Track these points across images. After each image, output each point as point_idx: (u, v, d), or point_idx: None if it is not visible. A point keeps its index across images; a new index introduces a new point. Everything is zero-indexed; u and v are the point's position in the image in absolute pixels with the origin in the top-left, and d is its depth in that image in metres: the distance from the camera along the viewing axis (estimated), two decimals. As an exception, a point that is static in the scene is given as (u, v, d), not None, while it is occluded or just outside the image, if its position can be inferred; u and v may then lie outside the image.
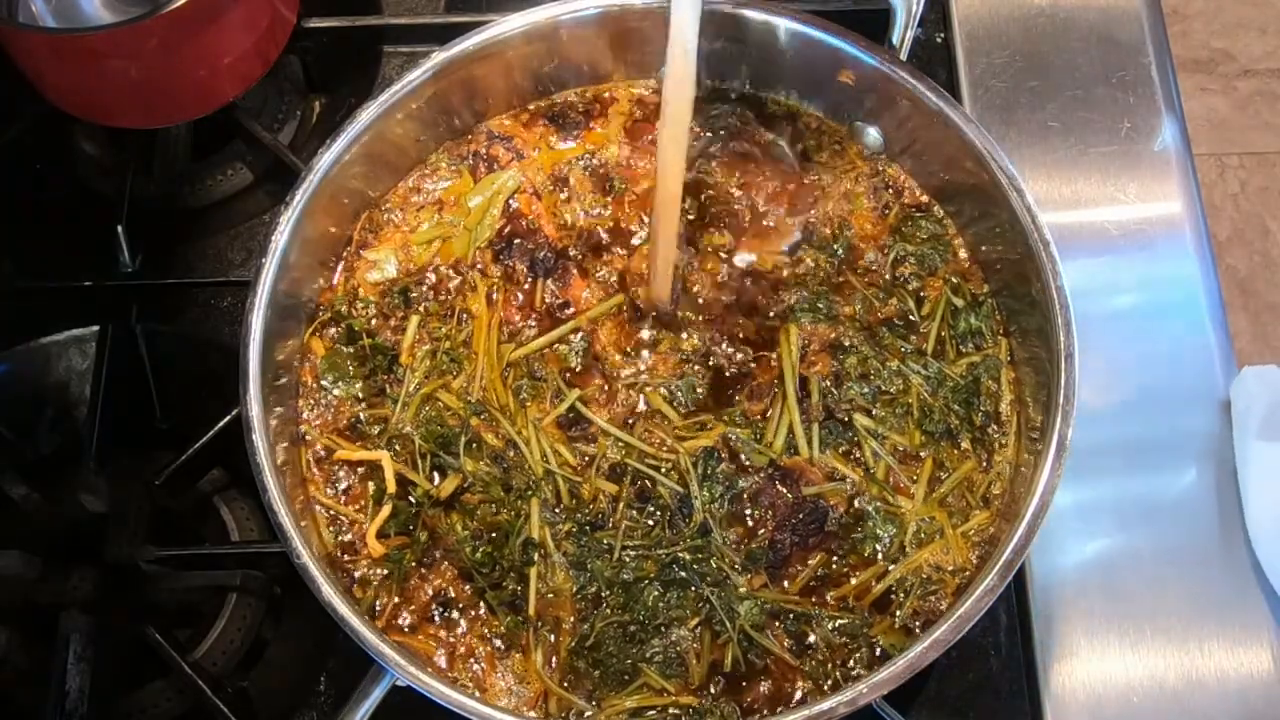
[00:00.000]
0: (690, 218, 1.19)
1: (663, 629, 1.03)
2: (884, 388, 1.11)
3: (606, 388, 1.12)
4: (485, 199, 1.20)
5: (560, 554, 1.05)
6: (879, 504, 1.06)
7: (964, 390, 1.10)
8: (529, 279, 1.17)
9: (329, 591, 0.97)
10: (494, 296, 1.17)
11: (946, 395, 1.10)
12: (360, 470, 1.10)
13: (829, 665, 1.02)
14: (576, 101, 1.25)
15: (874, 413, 1.10)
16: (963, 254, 1.17)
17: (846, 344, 1.13)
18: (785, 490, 1.07)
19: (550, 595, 1.04)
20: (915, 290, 1.16)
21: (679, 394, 1.12)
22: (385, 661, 0.95)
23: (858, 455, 1.09)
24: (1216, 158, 2.87)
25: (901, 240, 1.18)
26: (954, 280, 1.16)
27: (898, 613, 1.03)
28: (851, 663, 1.02)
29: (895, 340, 1.13)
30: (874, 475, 1.08)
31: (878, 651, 1.02)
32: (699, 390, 1.12)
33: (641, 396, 1.12)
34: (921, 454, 1.09)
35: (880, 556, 1.05)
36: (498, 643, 1.04)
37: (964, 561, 1.04)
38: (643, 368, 1.13)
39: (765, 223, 1.19)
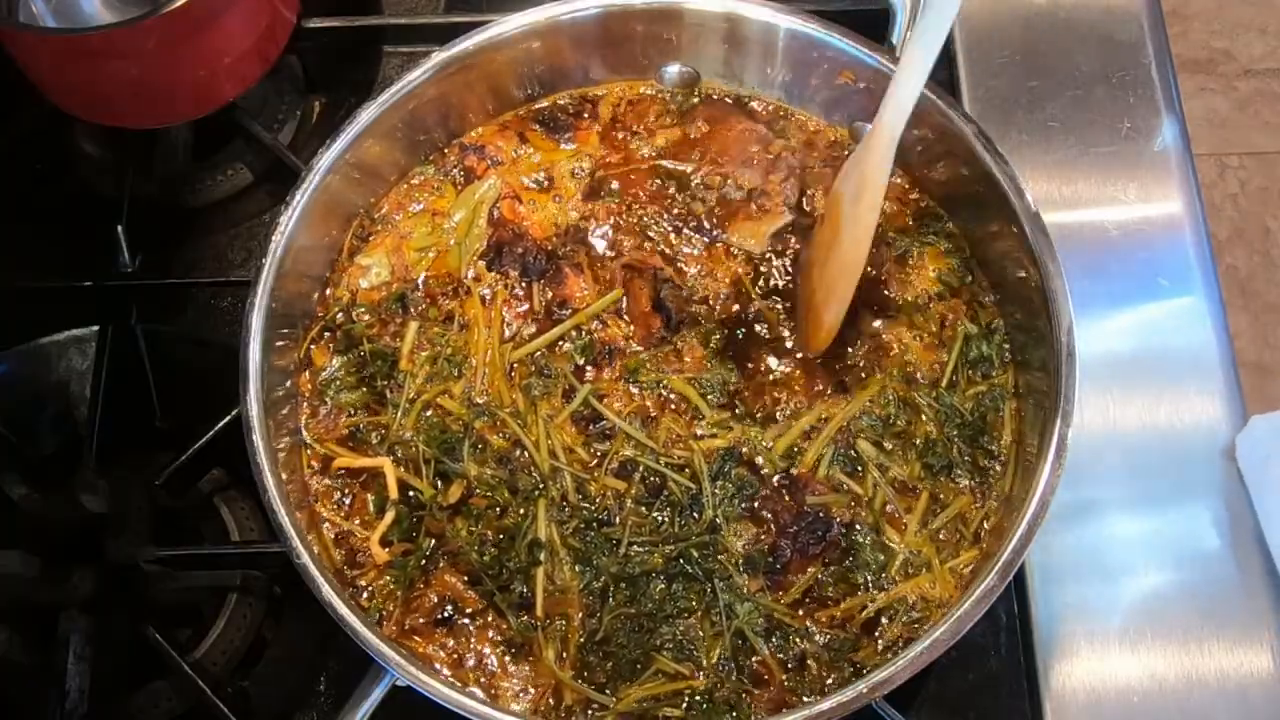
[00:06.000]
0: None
1: (670, 619, 1.03)
2: (894, 418, 1.11)
3: (623, 383, 1.13)
4: (468, 211, 1.20)
5: (566, 550, 1.05)
6: (872, 535, 1.06)
7: (970, 427, 1.10)
8: (523, 283, 1.18)
9: (329, 591, 0.97)
10: (488, 299, 1.17)
11: (953, 431, 1.10)
12: (362, 478, 1.10)
13: (810, 679, 1.02)
14: (568, 104, 1.26)
15: (884, 444, 1.10)
16: (978, 272, 1.17)
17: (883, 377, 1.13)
18: (790, 499, 1.07)
19: (558, 593, 1.04)
20: (938, 314, 1.15)
21: (710, 389, 1.12)
22: (385, 661, 0.95)
23: (859, 476, 1.09)
24: (1216, 158, 2.87)
25: (918, 255, 1.18)
26: (973, 308, 1.15)
27: (879, 640, 1.03)
28: (831, 680, 1.01)
29: (919, 369, 1.13)
30: (871, 503, 1.07)
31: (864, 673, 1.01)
32: (730, 387, 1.12)
33: (660, 392, 1.12)
34: (919, 487, 1.08)
35: (869, 586, 1.05)
36: (507, 644, 1.04)
37: (950, 595, 1.04)
38: (667, 362, 1.14)
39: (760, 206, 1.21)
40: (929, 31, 1.02)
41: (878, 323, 1.15)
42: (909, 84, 1.04)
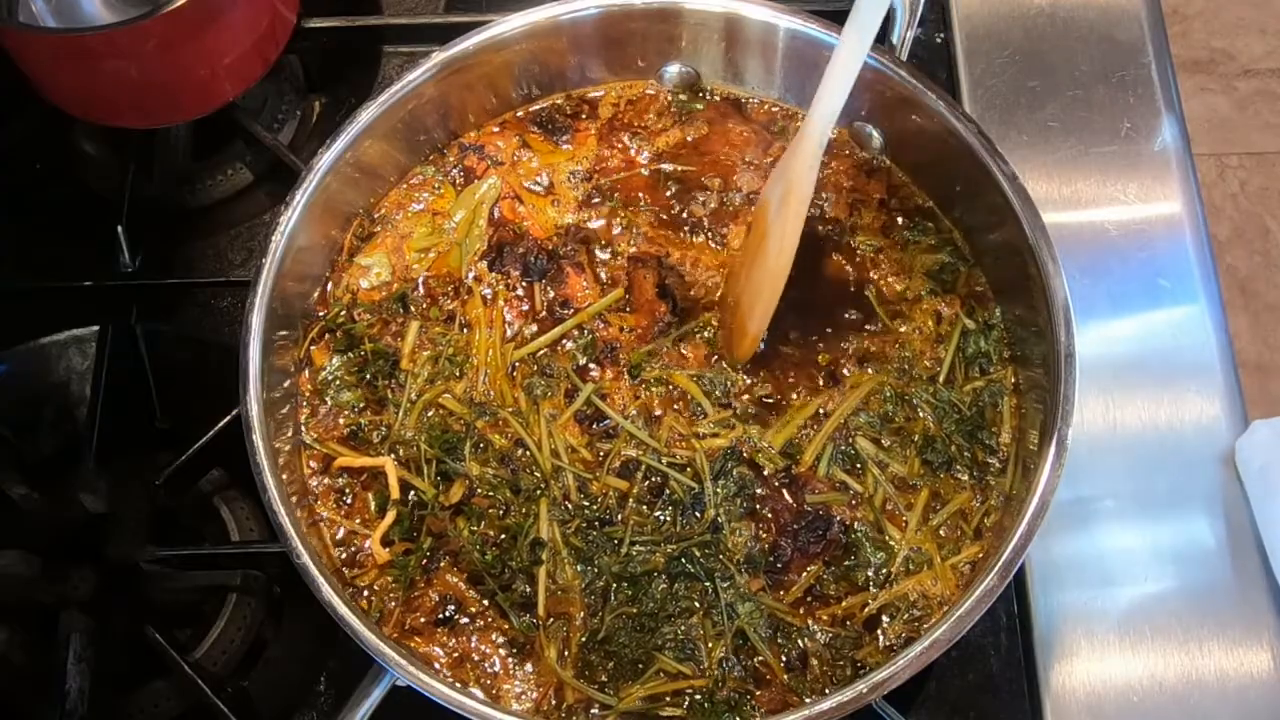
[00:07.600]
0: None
1: (671, 618, 1.03)
2: (892, 415, 1.11)
3: (626, 380, 1.13)
4: (469, 211, 1.20)
5: (568, 550, 1.05)
6: (873, 533, 1.06)
7: (969, 422, 1.10)
8: (524, 283, 1.18)
9: (329, 591, 0.97)
10: (489, 299, 1.17)
11: (951, 427, 1.10)
12: (363, 478, 1.10)
13: (811, 678, 1.02)
14: (566, 105, 1.26)
15: (882, 441, 1.10)
16: (975, 270, 1.17)
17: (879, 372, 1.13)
18: (791, 498, 1.07)
19: (560, 592, 1.04)
20: (934, 310, 1.15)
21: (714, 387, 1.12)
22: (385, 661, 0.95)
23: (859, 473, 1.09)
24: (1216, 158, 2.87)
25: (915, 253, 1.17)
26: (970, 304, 1.15)
27: (880, 637, 1.03)
28: (835, 678, 1.01)
29: (916, 365, 1.13)
30: (872, 501, 1.07)
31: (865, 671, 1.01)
32: (732, 386, 1.12)
33: (664, 389, 1.12)
34: (918, 483, 1.08)
35: (870, 584, 1.05)
36: (509, 644, 1.04)
37: (951, 592, 1.03)
38: (670, 358, 1.14)
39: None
40: (852, 33, 1.00)
41: (873, 316, 1.15)
42: (832, 91, 1.03)
